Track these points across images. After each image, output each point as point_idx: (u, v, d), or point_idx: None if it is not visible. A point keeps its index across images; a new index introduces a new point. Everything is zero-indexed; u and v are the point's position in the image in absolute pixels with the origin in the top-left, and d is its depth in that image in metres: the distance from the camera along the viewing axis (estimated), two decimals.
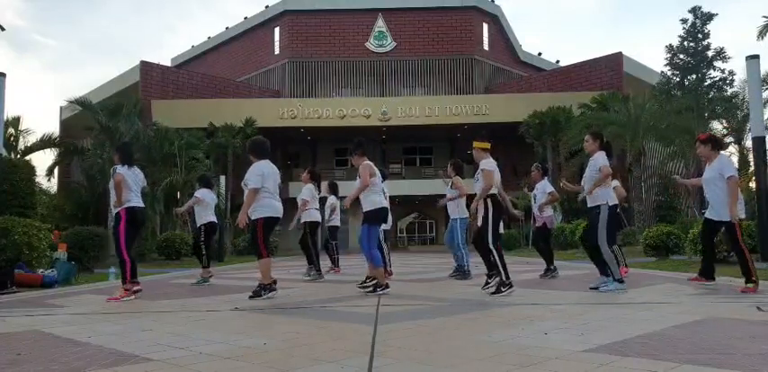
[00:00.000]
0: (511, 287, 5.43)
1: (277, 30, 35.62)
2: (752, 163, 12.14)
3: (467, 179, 8.26)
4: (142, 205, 6.07)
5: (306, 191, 8.37)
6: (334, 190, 9.80)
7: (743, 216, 5.63)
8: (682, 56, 22.86)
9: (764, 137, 9.69)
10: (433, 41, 34.55)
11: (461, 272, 7.83)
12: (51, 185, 27.66)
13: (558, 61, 40.65)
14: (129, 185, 5.88)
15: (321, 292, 6.41)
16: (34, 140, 23.09)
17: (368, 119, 28.76)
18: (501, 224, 6.44)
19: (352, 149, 6.24)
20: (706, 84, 22.56)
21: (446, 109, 28.99)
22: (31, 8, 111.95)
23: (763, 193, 9.23)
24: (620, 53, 28.76)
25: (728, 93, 22.22)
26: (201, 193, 8.13)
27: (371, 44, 34.59)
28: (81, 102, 21.64)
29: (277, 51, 35.50)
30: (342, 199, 9.72)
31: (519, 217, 8.22)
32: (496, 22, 36.50)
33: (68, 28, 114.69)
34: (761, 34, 18.51)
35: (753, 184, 11.59)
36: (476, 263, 7.66)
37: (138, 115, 22.86)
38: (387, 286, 5.84)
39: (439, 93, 33.68)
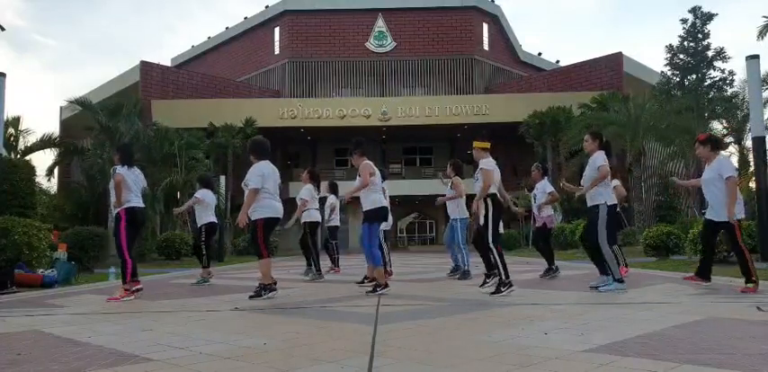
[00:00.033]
0: (510, 286, 5.44)
1: (277, 30, 35.63)
2: (752, 163, 12.14)
3: (467, 179, 8.27)
4: (142, 205, 6.08)
5: (305, 191, 8.37)
6: (334, 189, 9.81)
7: (742, 216, 5.63)
8: (682, 56, 22.86)
9: (764, 137, 9.69)
10: (433, 41, 34.55)
11: (462, 272, 7.83)
12: (51, 185, 27.72)
13: (558, 61, 40.69)
14: (129, 185, 5.89)
15: (321, 292, 6.41)
16: (34, 140, 23.14)
17: (368, 119, 28.77)
18: (501, 223, 6.44)
19: (352, 149, 6.25)
20: (706, 84, 22.57)
21: (446, 109, 29.00)
22: (31, 8, 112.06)
23: (763, 193, 9.23)
24: (620, 53, 28.77)
25: (728, 93, 22.23)
26: (202, 194, 8.13)
27: (371, 44, 34.59)
28: (81, 102, 21.65)
29: (277, 51, 35.51)
30: (342, 198, 9.77)
31: (521, 213, 8.23)
32: (496, 22, 36.51)
33: (68, 28, 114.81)
34: (761, 34, 18.52)
35: (753, 184, 11.59)
36: (476, 263, 7.66)
37: (138, 115, 22.86)
38: (386, 285, 5.85)
39: (439, 93, 33.69)
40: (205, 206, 8.08)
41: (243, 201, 5.67)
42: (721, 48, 22.39)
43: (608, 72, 28.66)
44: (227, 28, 39.09)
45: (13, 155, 20.92)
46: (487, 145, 6.00)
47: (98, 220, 20.14)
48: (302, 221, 8.34)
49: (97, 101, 23.91)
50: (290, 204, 10.01)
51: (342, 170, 32.38)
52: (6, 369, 2.64)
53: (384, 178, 6.67)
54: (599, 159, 5.69)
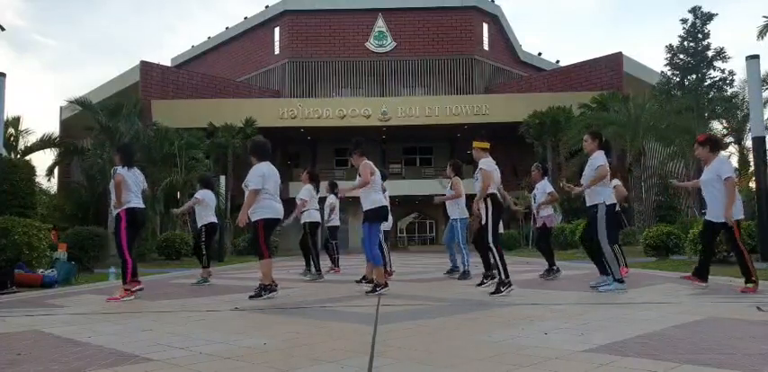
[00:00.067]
0: (510, 286, 5.44)
1: (277, 30, 35.63)
2: (752, 163, 12.14)
3: (466, 179, 8.28)
4: (142, 206, 6.10)
5: (304, 192, 8.40)
6: (333, 189, 9.82)
7: (741, 216, 5.63)
8: (682, 56, 22.86)
9: (764, 137, 9.69)
10: (433, 41, 34.56)
11: (462, 272, 7.83)
12: (51, 185, 27.73)
13: (558, 61, 40.69)
14: (129, 186, 5.91)
15: (321, 292, 6.41)
16: (34, 140, 23.15)
17: (368, 119, 28.77)
18: (501, 223, 6.46)
19: (352, 149, 6.26)
20: (706, 84, 22.57)
21: (446, 109, 29.01)
22: (31, 8, 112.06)
23: (763, 193, 9.23)
24: (620, 53, 28.77)
25: (728, 93, 22.23)
26: (202, 194, 8.14)
27: (371, 44, 34.60)
28: (81, 102, 21.65)
29: (277, 51, 35.51)
30: (341, 198, 9.79)
31: (521, 211, 8.25)
32: (496, 22, 36.51)
33: (68, 28, 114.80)
34: (761, 34, 18.52)
35: (753, 184, 11.59)
36: (476, 263, 7.66)
37: (138, 115, 22.86)
38: (386, 285, 5.85)
39: (439, 93, 33.69)
40: (205, 206, 8.09)
41: (243, 202, 5.71)
42: (721, 48, 22.40)
43: (608, 72, 28.66)
44: (227, 28, 39.11)
45: (13, 155, 20.92)
46: (487, 145, 6.01)
47: (98, 220, 20.12)
48: (302, 221, 8.35)
49: (97, 101, 23.91)
50: (289, 204, 10.02)
51: (342, 170, 32.38)
52: (6, 369, 2.64)
53: (384, 178, 6.69)
54: (598, 159, 5.70)
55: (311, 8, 34.42)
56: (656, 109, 21.07)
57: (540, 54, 40.93)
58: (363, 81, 34.50)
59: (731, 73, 22.39)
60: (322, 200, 9.23)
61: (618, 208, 7.15)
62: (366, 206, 6.00)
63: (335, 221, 9.92)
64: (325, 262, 9.33)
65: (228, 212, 21.49)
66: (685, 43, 22.72)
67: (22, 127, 22.49)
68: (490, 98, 31.14)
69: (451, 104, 29.36)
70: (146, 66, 28.56)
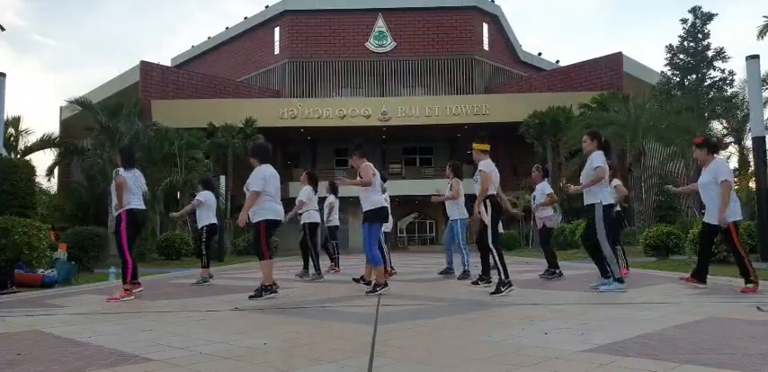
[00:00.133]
0: (510, 286, 5.44)
1: (277, 30, 35.63)
2: (752, 164, 12.14)
3: (466, 179, 8.29)
4: (143, 207, 6.14)
5: (304, 193, 8.42)
6: (333, 189, 9.82)
7: (739, 218, 5.62)
8: (682, 56, 22.86)
9: (764, 137, 9.69)
10: (433, 41, 34.56)
11: (462, 272, 7.84)
12: (51, 185, 27.74)
13: (558, 61, 40.69)
14: (130, 188, 5.95)
15: (321, 292, 6.42)
16: (34, 140, 23.17)
17: (368, 119, 28.78)
18: (501, 224, 6.48)
19: (352, 150, 6.26)
20: (706, 84, 22.57)
21: (446, 109, 29.01)
22: (31, 8, 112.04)
23: (763, 193, 9.23)
24: (620, 53, 28.77)
25: (728, 93, 22.23)
26: (203, 196, 8.15)
27: (371, 44, 34.59)
28: (81, 102, 21.66)
29: (277, 51, 35.51)
30: (341, 198, 9.81)
31: (518, 215, 8.27)
32: (496, 22, 36.51)
33: (68, 28, 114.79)
34: (761, 34, 18.53)
35: (753, 184, 11.59)
36: (476, 263, 7.66)
37: (138, 115, 22.87)
38: (386, 285, 5.86)
39: (439, 93, 33.69)
40: (206, 207, 8.11)
41: (243, 202, 5.77)
42: (721, 48, 22.40)
43: (608, 72, 28.66)
44: (227, 28, 39.11)
45: (13, 155, 20.92)
46: (487, 147, 6.02)
47: (98, 220, 20.13)
48: (302, 222, 8.36)
49: (97, 101, 23.92)
50: (289, 204, 10.03)
51: (342, 170, 32.37)
52: (6, 369, 2.64)
53: (384, 180, 6.70)
54: (596, 160, 5.70)
55: (311, 8, 34.42)
56: (656, 109, 21.08)
57: (540, 54, 40.95)
58: (363, 81, 34.50)
59: (731, 73, 22.41)
60: (321, 200, 9.24)
61: (618, 207, 7.17)
62: (366, 207, 6.00)
63: (335, 221, 9.92)
64: (324, 262, 9.33)
65: (228, 212, 21.50)
66: (685, 43, 22.72)
67: (22, 127, 22.54)
68: (490, 98, 31.14)
69: (451, 104, 29.36)
70: (146, 66, 28.56)
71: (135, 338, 3.41)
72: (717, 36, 72.40)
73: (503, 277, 5.46)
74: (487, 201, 5.69)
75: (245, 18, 37.63)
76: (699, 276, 5.79)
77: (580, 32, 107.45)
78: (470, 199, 6.21)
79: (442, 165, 27.12)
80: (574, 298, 5.25)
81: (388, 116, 28.77)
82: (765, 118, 14.85)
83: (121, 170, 5.97)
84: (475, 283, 6.46)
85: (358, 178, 6.12)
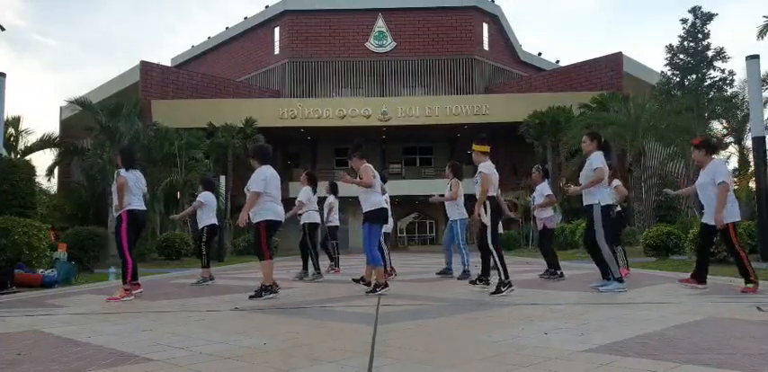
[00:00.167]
0: (510, 286, 5.44)
1: (277, 30, 35.64)
2: (752, 164, 12.14)
3: (466, 179, 8.29)
4: (143, 207, 6.15)
5: (302, 193, 8.43)
6: (333, 189, 9.82)
7: (737, 218, 5.62)
8: (682, 56, 22.83)
9: (764, 137, 9.69)
10: (433, 41, 34.56)
11: (462, 272, 7.84)
12: (51, 185, 27.75)
13: (557, 61, 40.70)
14: (131, 189, 5.97)
15: (321, 292, 6.42)
16: (34, 140, 23.18)
17: (368, 119, 28.79)
18: (500, 224, 6.49)
19: (351, 151, 6.26)
20: (706, 84, 22.54)
21: (446, 109, 29.02)
22: (31, 8, 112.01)
23: (763, 193, 9.23)
24: (620, 53, 28.78)
25: (728, 93, 22.20)
26: (203, 197, 8.15)
27: (371, 44, 34.60)
28: (81, 102, 21.67)
29: (277, 51, 35.52)
30: (341, 198, 9.82)
31: (516, 218, 8.28)
32: (496, 22, 36.52)
33: (68, 28, 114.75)
34: (761, 34, 18.52)
35: (753, 184, 11.59)
36: (475, 263, 7.66)
37: (138, 115, 22.88)
38: (386, 285, 5.86)
39: (439, 93, 33.70)
40: (207, 208, 8.11)
41: (243, 203, 5.78)
42: (721, 48, 22.36)
43: (608, 72, 28.67)
44: (227, 28, 39.12)
45: (13, 155, 20.93)
46: (487, 149, 6.02)
47: (98, 220, 20.14)
48: (302, 222, 8.37)
49: (97, 101, 23.93)
50: (289, 204, 10.04)
51: (342, 170, 32.37)
52: (6, 369, 2.64)
53: (384, 181, 6.70)
54: (596, 161, 5.69)
55: (311, 8, 34.43)
56: (655, 109, 21.08)
57: (540, 54, 40.96)
58: (363, 81, 34.51)
59: (731, 73, 22.37)
60: (321, 201, 9.25)
61: (618, 207, 7.16)
62: (366, 207, 6.01)
63: (335, 221, 9.93)
64: (324, 262, 9.34)
65: (229, 212, 21.49)
66: (685, 43, 22.69)
67: (22, 127, 22.55)
68: (490, 98, 31.15)
69: (451, 104, 29.37)
70: (146, 66, 28.57)
71: (135, 338, 3.41)
72: (717, 36, 72.45)
73: (503, 277, 5.47)
74: (487, 203, 5.70)
75: (245, 18, 37.64)
76: (698, 276, 5.79)
77: (580, 32, 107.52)
78: (470, 200, 6.21)
79: (441, 165, 27.12)
80: (574, 298, 5.25)
81: (388, 116, 28.78)
82: (765, 118, 14.85)
83: (123, 171, 5.99)
84: (473, 282, 6.45)
85: (358, 179, 6.12)
